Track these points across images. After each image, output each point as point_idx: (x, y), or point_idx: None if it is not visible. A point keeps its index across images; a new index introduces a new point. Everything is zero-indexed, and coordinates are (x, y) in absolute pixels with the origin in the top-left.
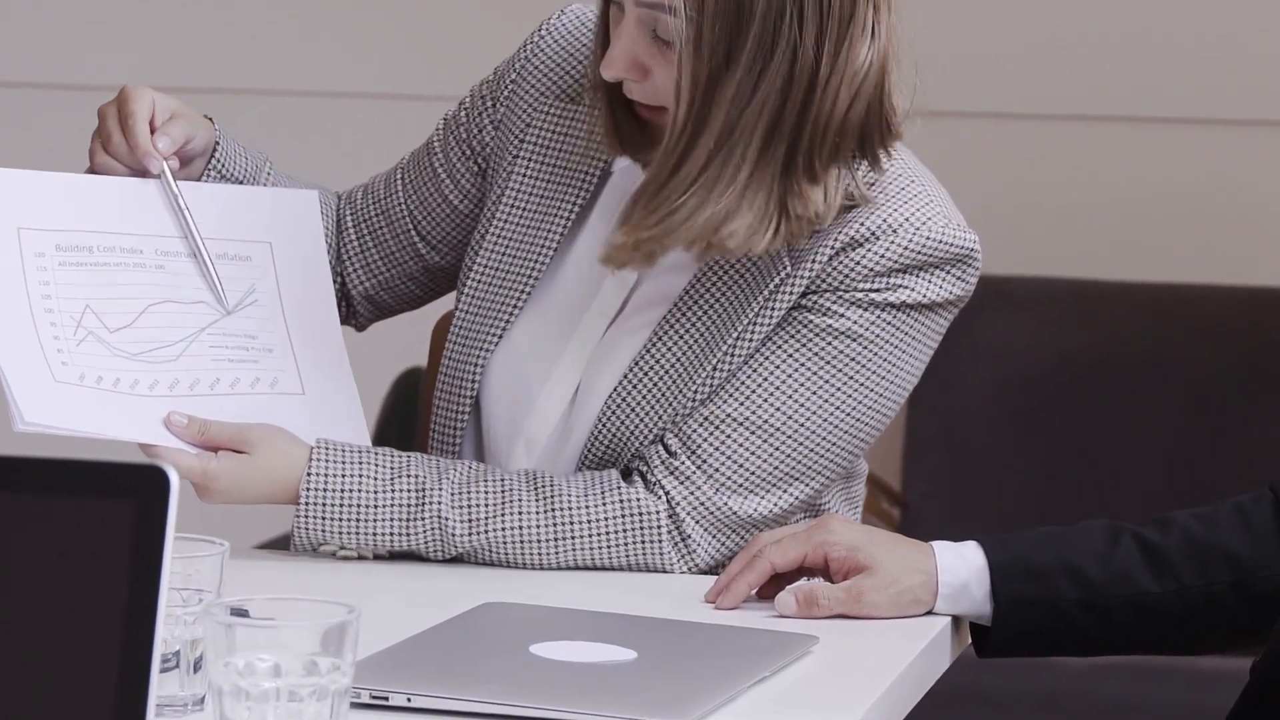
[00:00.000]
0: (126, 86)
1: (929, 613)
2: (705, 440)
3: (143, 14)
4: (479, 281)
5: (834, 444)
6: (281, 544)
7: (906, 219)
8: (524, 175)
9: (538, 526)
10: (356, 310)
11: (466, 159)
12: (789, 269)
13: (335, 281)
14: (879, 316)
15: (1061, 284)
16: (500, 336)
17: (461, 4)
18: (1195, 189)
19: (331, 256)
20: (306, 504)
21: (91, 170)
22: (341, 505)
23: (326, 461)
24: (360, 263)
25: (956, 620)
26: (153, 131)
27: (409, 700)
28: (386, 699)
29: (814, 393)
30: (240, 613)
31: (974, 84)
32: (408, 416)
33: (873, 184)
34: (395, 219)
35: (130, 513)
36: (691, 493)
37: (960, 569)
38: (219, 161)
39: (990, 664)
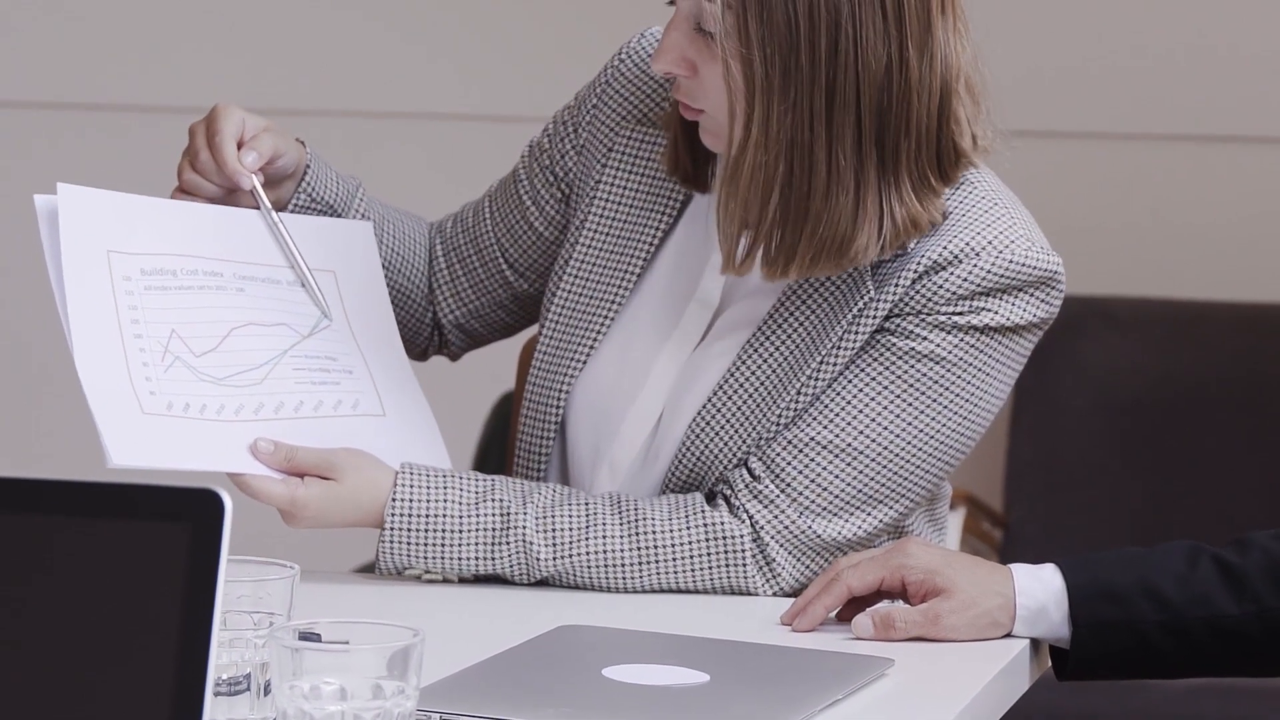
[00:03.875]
0: (217, 105)
1: (1007, 635)
2: (789, 464)
3: (231, 36)
4: (563, 307)
5: (918, 467)
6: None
7: (990, 242)
8: (606, 200)
9: (622, 550)
10: (448, 340)
11: (550, 186)
12: (872, 293)
13: (427, 312)
14: (962, 339)
15: (1163, 304)
16: (585, 362)
17: (549, 26)
18: None
19: (425, 286)
20: (392, 529)
21: (179, 187)
22: (427, 530)
23: (411, 486)
24: (450, 291)
25: (1036, 643)
26: (240, 148)
27: None
28: None
29: (898, 416)
30: (312, 636)
31: (1081, 103)
32: (508, 441)
33: (954, 207)
34: (484, 247)
35: (184, 536)
36: (775, 516)
37: (1038, 591)
38: (309, 184)
39: (1082, 687)
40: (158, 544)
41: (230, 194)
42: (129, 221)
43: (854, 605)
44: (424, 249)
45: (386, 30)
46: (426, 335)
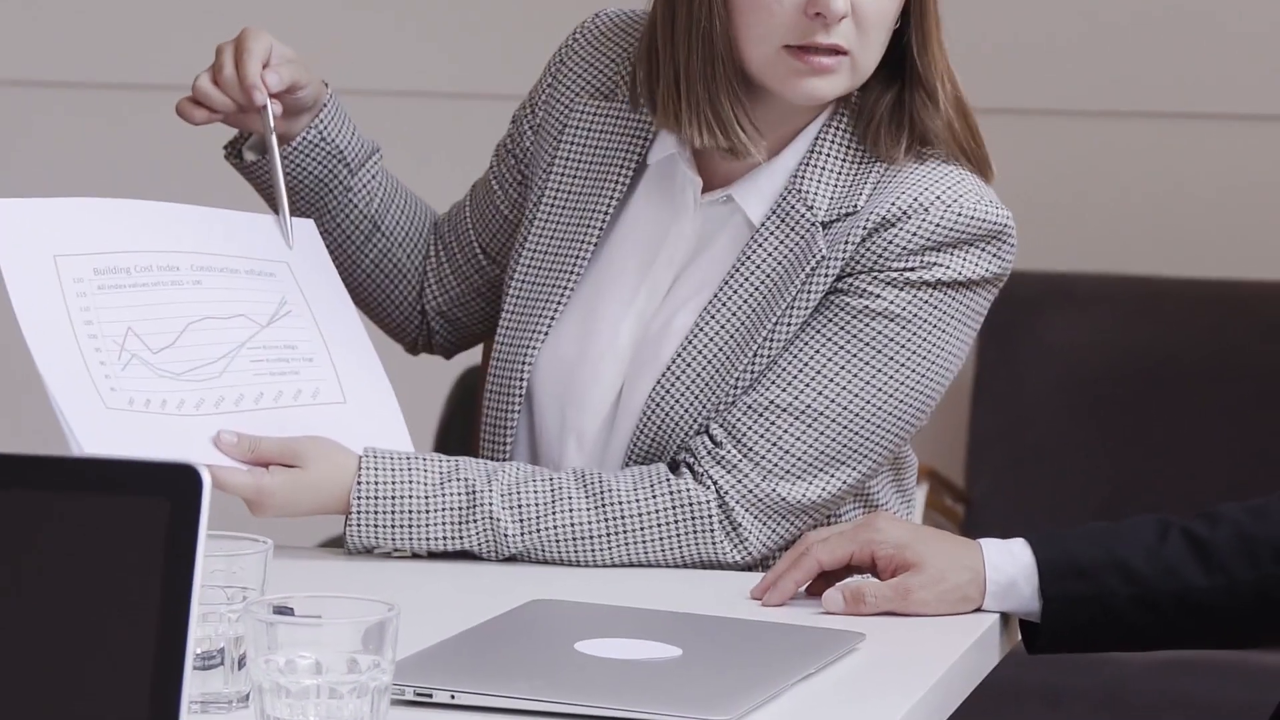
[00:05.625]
0: (248, 27)
1: (977, 610)
2: (749, 428)
3: (209, 12)
4: (523, 281)
5: (879, 426)
6: (341, 541)
7: (938, 197)
8: (562, 174)
9: (589, 523)
10: (433, 329)
11: (512, 169)
12: (824, 252)
13: (419, 300)
14: (915, 295)
15: (1124, 280)
16: (546, 333)
17: (526, 2)
18: (1257, 184)
19: (421, 270)
20: (358, 512)
21: (190, 97)
22: (393, 512)
23: (376, 470)
24: (435, 278)
25: (1006, 617)
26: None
27: (452, 697)
28: (430, 696)
29: (855, 375)
30: (285, 610)
31: (1036, 80)
32: (471, 414)
33: (904, 164)
34: (462, 234)
35: (163, 511)
36: (739, 481)
37: (1008, 566)
38: (321, 122)
39: (1052, 660)
40: (137, 519)
41: (241, 114)
42: (72, 224)
43: (824, 579)
44: (426, 235)
45: (364, 6)
46: (416, 325)
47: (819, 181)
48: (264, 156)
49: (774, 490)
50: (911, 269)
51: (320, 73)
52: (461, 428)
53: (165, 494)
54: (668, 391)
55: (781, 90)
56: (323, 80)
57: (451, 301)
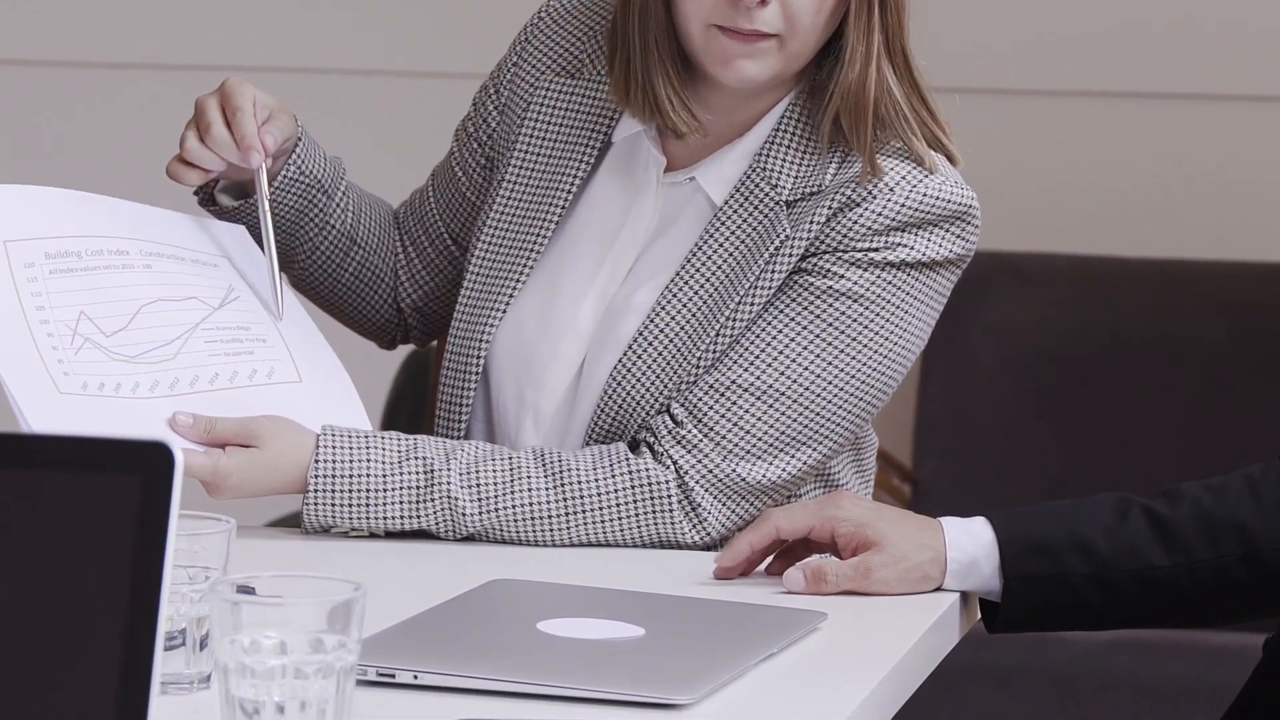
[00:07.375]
0: (229, 80)
1: (938, 589)
2: (711, 408)
3: None
4: (483, 258)
5: (840, 407)
6: (293, 521)
7: (903, 177)
8: (526, 151)
9: (548, 503)
10: (409, 324)
11: (476, 153)
12: (788, 231)
13: (395, 299)
14: (879, 276)
15: (1073, 260)
16: (504, 311)
17: None
18: (1206, 164)
19: (394, 273)
20: (315, 490)
21: (180, 158)
22: (350, 490)
23: (334, 448)
24: (407, 274)
25: (965, 596)
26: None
27: (415, 677)
28: (393, 676)
29: (818, 356)
30: (247, 590)
31: (986, 61)
32: (419, 394)
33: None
34: (430, 226)
35: (135, 488)
36: (699, 460)
37: (969, 545)
38: (299, 158)
39: (1000, 640)
40: (108, 496)
41: (234, 167)
42: (21, 210)
43: (785, 559)
44: (395, 236)
45: None
46: (395, 324)
47: (783, 160)
48: (243, 202)
49: (734, 470)
50: (876, 249)
51: (277, 52)
52: (409, 408)
53: (137, 471)
54: (629, 370)
55: (714, 71)
56: (292, 115)
57: (427, 296)
